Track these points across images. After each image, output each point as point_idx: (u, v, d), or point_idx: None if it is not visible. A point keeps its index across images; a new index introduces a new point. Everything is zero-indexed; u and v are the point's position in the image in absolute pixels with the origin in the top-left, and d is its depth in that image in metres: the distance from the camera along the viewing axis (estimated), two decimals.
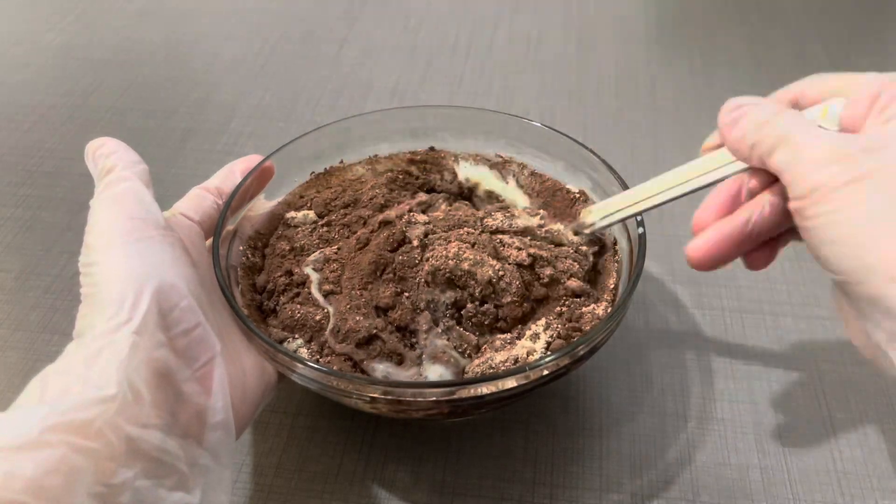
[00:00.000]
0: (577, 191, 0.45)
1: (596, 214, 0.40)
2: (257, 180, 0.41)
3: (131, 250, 0.30)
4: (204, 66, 0.71)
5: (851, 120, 0.29)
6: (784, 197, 0.29)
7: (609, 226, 0.39)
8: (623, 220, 0.39)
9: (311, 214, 0.44)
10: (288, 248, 0.42)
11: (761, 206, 0.30)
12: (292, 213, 0.44)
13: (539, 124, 0.45)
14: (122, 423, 0.26)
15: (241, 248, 0.41)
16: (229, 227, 0.39)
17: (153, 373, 0.28)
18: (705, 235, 0.31)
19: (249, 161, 0.41)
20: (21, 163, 0.60)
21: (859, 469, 0.38)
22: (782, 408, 0.41)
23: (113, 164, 0.34)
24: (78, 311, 0.30)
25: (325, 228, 0.43)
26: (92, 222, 0.32)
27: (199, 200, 0.38)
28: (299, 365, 0.33)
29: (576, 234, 0.41)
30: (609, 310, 0.38)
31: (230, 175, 0.40)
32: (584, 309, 0.38)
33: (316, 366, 0.32)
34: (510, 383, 0.32)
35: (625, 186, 0.40)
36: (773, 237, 0.32)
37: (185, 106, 0.66)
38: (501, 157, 0.48)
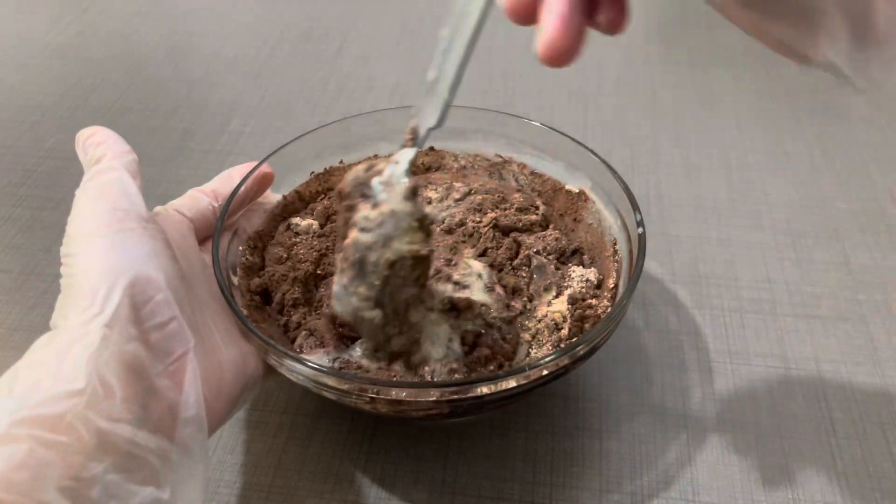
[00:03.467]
0: (577, 191, 0.45)
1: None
2: (257, 185, 0.41)
3: (109, 242, 0.30)
4: (204, 66, 0.71)
5: None
6: None
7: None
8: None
9: (315, 224, 0.44)
10: (285, 255, 0.42)
11: None
12: (297, 220, 0.44)
13: (539, 124, 0.45)
14: (93, 417, 0.26)
15: (240, 248, 0.41)
16: (227, 228, 0.39)
17: (124, 366, 0.28)
18: (546, 26, 0.26)
19: (249, 168, 0.41)
20: (21, 163, 0.60)
21: (859, 469, 0.38)
22: (782, 408, 0.41)
23: (102, 153, 0.34)
24: (57, 300, 0.30)
25: (322, 238, 0.43)
26: (74, 212, 0.32)
27: (194, 201, 0.38)
28: (298, 364, 0.33)
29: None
30: (609, 310, 0.38)
31: (228, 179, 0.40)
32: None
33: (315, 365, 0.32)
34: (510, 383, 0.32)
35: (625, 186, 0.40)
36: None
37: (185, 106, 0.66)
38: (501, 157, 0.48)
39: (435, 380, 0.35)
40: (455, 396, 0.32)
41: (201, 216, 0.38)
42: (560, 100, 0.65)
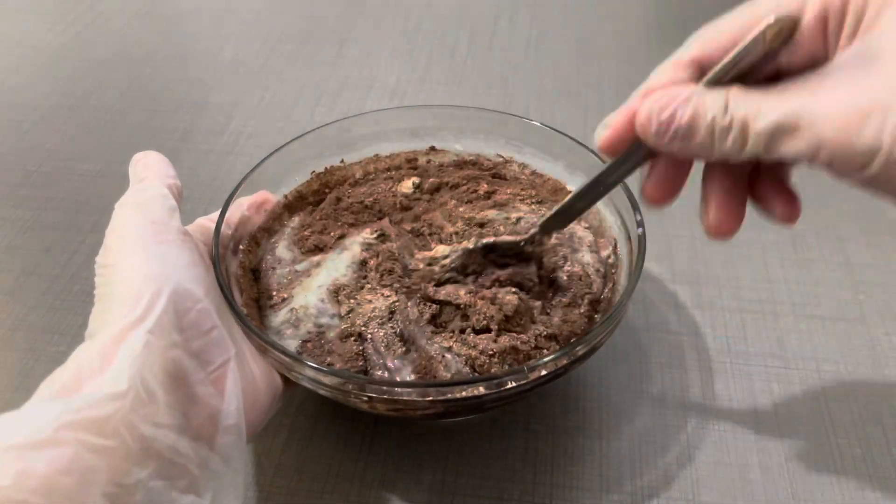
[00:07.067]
0: None
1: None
2: (258, 209, 0.42)
3: (150, 252, 0.31)
4: (204, 66, 0.71)
5: (806, 52, 0.26)
6: None
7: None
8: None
9: (296, 254, 0.42)
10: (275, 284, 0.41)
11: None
12: (282, 250, 0.42)
13: (539, 124, 0.45)
14: (137, 422, 0.26)
15: (241, 246, 0.41)
16: (227, 231, 0.39)
17: (167, 373, 0.28)
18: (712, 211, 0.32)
19: (257, 196, 0.42)
20: (21, 163, 0.60)
21: (859, 469, 0.38)
22: (782, 408, 0.41)
23: (146, 174, 0.35)
24: (91, 312, 0.30)
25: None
26: (114, 224, 0.32)
27: (203, 228, 0.39)
28: (296, 363, 0.33)
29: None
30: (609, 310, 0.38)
31: (238, 207, 0.41)
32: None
33: (314, 364, 0.32)
34: (509, 383, 0.32)
35: (625, 186, 0.40)
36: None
37: (185, 106, 0.66)
38: (502, 156, 0.48)
39: (433, 380, 0.35)
40: (453, 396, 0.32)
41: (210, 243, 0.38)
42: (560, 100, 0.65)
